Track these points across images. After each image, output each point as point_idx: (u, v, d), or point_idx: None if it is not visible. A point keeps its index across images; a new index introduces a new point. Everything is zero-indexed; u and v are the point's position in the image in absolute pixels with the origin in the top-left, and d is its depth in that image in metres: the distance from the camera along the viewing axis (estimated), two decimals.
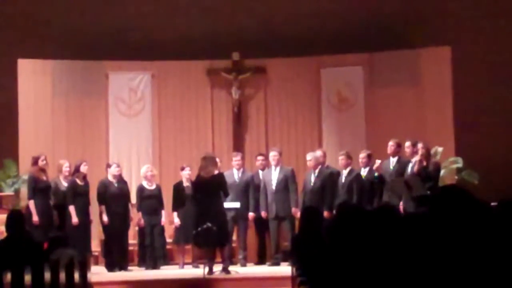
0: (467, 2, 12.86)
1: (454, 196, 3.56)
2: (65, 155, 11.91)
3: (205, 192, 10.05)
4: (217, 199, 10.14)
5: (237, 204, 11.12)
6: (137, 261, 11.57)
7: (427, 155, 10.38)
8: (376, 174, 10.79)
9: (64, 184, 10.92)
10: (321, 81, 13.15)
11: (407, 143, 10.69)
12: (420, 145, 10.40)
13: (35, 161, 10.80)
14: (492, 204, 3.86)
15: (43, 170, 10.77)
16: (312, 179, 11.15)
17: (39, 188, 10.66)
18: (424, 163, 10.29)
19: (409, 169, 10.41)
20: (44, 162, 10.83)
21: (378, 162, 10.84)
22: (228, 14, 13.19)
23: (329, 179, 11.13)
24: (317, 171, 11.17)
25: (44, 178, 10.76)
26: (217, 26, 13.14)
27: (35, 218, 10.45)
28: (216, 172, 10.23)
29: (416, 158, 10.34)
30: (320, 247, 4.92)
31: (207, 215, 9.92)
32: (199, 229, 9.87)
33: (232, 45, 12.97)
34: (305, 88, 13.16)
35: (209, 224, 9.92)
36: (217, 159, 10.62)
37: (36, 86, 12.78)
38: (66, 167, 11.01)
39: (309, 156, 11.29)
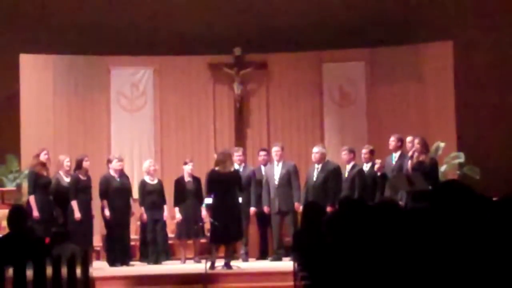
0: None
1: (455, 191, 3.56)
2: (66, 150, 11.89)
3: (222, 187, 10.13)
4: (233, 194, 10.24)
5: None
6: (139, 256, 11.57)
7: (422, 150, 10.37)
8: (378, 174, 10.80)
9: (66, 179, 10.90)
10: (322, 77, 13.16)
11: (409, 138, 10.70)
12: (416, 141, 10.41)
13: (37, 156, 10.77)
14: (494, 199, 3.86)
15: (44, 164, 10.74)
16: (315, 174, 11.12)
17: (40, 184, 10.63)
18: (420, 158, 10.29)
19: (408, 164, 10.42)
20: (46, 156, 10.80)
21: (378, 161, 10.82)
22: (230, 9, 13.17)
23: (332, 174, 11.09)
24: (320, 166, 11.15)
25: (45, 173, 10.73)
26: (219, 21, 13.13)
27: (36, 213, 10.42)
28: (232, 168, 10.32)
29: (410, 153, 10.37)
30: (322, 242, 4.92)
31: (223, 210, 10.01)
32: (216, 224, 9.91)
33: (234, 40, 12.97)
34: (306, 84, 13.16)
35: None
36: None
37: (38, 81, 12.79)
38: (67, 162, 10.98)
39: (316, 149, 11.22)
